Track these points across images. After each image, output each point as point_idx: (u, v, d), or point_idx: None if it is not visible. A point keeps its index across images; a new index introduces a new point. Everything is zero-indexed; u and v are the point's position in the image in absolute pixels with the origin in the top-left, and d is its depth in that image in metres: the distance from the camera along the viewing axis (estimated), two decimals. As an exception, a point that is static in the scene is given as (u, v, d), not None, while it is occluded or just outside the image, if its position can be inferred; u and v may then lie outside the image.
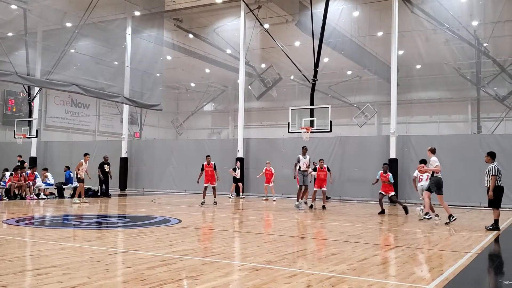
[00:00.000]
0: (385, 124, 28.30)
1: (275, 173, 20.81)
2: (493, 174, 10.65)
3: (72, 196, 19.79)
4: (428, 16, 22.38)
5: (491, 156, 11.09)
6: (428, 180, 12.45)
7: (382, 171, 15.01)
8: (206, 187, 17.10)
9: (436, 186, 11.98)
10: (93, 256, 6.95)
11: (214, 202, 17.04)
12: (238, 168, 21.76)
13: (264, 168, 20.51)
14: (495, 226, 10.81)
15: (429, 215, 12.64)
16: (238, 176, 21.72)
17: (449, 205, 17.63)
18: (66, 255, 6.93)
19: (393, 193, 15.07)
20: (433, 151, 12.48)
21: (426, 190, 12.38)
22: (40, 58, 21.10)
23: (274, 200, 19.88)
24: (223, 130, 38.83)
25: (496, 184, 10.67)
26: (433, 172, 12.11)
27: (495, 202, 10.75)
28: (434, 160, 12.14)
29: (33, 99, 25.28)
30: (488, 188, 10.77)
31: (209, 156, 17.48)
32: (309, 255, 7.36)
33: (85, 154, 17.91)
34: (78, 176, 17.31)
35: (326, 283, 5.49)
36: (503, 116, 25.42)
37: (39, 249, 7.56)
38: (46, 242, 8.17)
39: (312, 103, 17.39)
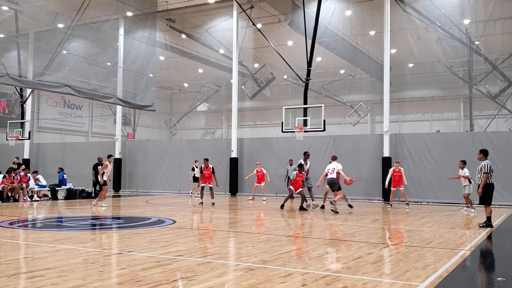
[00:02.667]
0: (378, 123, 28.40)
1: (269, 172, 20.82)
2: (485, 171, 10.73)
3: (68, 196, 19.76)
4: (420, 14, 22.50)
5: (484, 153, 11.16)
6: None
7: (297, 172, 15.50)
8: (203, 187, 17.08)
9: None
10: (87, 258, 6.93)
11: (212, 203, 17.03)
12: (197, 167, 21.78)
13: (255, 170, 20.51)
14: (488, 223, 10.89)
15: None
16: (197, 175, 21.71)
17: (443, 203, 17.82)
18: (61, 257, 6.90)
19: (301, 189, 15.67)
20: (334, 158, 15.57)
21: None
22: (32, 59, 20.97)
23: (263, 200, 19.86)
24: (217, 130, 38.80)
25: (488, 182, 10.75)
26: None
27: (486, 199, 10.83)
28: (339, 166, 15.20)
29: (25, 101, 25.16)
30: (479, 186, 10.86)
31: (207, 159, 17.30)
32: (304, 254, 7.38)
33: (109, 156, 16.96)
34: (104, 178, 16.37)
35: (321, 282, 5.51)
36: (495, 113, 25.58)
37: (33, 252, 7.53)
38: (40, 244, 8.14)
39: (305, 103, 17.43)
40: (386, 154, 20.40)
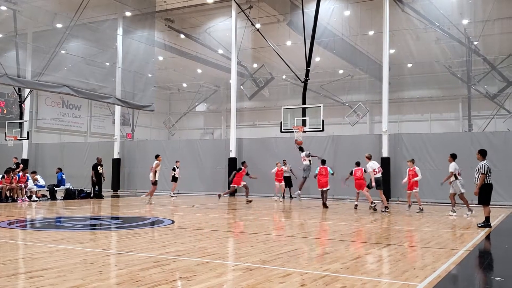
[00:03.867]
0: (377, 123, 28.42)
1: (268, 173, 20.80)
2: (482, 172, 10.71)
3: (67, 196, 19.78)
4: (419, 15, 22.51)
5: (482, 154, 11.15)
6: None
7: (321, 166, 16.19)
8: (236, 189, 18.57)
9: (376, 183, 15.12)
10: (86, 258, 6.93)
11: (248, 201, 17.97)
12: (178, 168, 22.09)
13: (276, 168, 19.95)
14: (486, 223, 10.90)
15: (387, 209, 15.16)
16: (177, 175, 22.06)
17: (442, 203, 17.83)
18: (59, 257, 6.90)
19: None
20: (368, 157, 15.37)
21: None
22: (31, 59, 20.93)
23: (280, 201, 19.70)
24: (216, 130, 38.80)
25: (486, 182, 10.75)
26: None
27: (485, 199, 10.83)
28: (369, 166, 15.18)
29: (23, 101, 25.13)
30: (475, 191, 10.87)
31: (245, 162, 18.60)
32: (303, 255, 7.38)
33: (157, 156, 18.10)
34: (156, 178, 17.61)
35: (320, 282, 5.52)
36: (493, 113, 25.60)
37: (32, 252, 7.52)
38: (39, 244, 8.13)
39: (304, 103, 17.43)
40: (385, 154, 20.40)
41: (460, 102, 29.76)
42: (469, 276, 6.62)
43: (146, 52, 23.96)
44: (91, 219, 13.19)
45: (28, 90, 24.29)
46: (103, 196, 20.87)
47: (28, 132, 24.72)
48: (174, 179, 22.21)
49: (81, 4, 18.68)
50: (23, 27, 22.83)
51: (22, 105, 25.08)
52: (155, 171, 17.51)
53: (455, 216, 13.80)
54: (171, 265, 6.39)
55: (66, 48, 20.78)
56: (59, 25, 21.93)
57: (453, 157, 14.24)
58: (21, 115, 24.77)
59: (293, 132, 17.39)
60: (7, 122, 24.90)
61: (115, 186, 26.41)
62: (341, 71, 29.54)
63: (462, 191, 13.85)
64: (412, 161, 15.80)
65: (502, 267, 7.19)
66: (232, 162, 23.51)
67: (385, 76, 20.92)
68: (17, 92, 24.92)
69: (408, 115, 30.39)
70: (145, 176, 26.34)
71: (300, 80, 17.85)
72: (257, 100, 32.75)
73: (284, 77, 30.40)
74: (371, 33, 24.22)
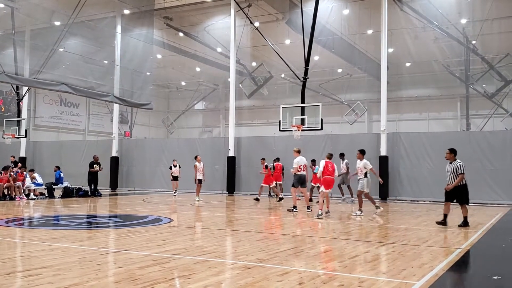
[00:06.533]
0: (375, 122, 28.44)
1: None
2: (462, 172, 10.63)
3: (65, 194, 19.78)
4: (417, 14, 22.53)
5: (454, 152, 11.07)
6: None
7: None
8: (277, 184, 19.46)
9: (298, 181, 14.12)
10: (84, 256, 6.92)
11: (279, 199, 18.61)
12: (175, 166, 22.08)
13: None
14: (465, 222, 10.85)
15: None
16: (176, 174, 22.05)
17: (439, 202, 17.82)
18: (57, 255, 6.90)
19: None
20: (298, 151, 14.34)
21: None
22: (29, 57, 20.90)
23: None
24: (214, 128, 38.77)
25: (463, 183, 10.75)
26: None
27: (466, 199, 10.84)
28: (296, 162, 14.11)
29: (21, 99, 25.09)
30: (448, 185, 10.77)
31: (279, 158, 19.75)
32: (301, 253, 7.39)
33: (196, 156, 18.94)
34: (199, 177, 18.38)
35: (317, 280, 5.53)
36: (491, 113, 25.64)
37: (30, 250, 7.52)
38: (37, 242, 8.12)
39: (303, 101, 17.45)
40: (383, 153, 20.42)
41: (458, 101, 29.78)
42: (467, 274, 6.64)
43: (144, 50, 23.92)
44: (89, 217, 13.18)
45: (26, 88, 24.24)
46: (101, 194, 20.86)
47: (26, 130, 24.68)
48: (174, 178, 22.10)
49: (79, 2, 18.64)
50: (21, 24, 22.79)
51: (20, 103, 25.04)
52: (196, 171, 18.39)
53: (381, 210, 13.86)
54: (169, 264, 6.39)
55: (64, 46, 20.72)
56: (57, 23, 21.90)
57: (362, 153, 13.61)
58: (19, 113, 24.72)
59: (291, 131, 17.40)
60: (5, 120, 24.86)
61: (113, 184, 26.39)
62: (339, 70, 29.55)
63: (363, 189, 13.34)
64: (329, 156, 13.57)
65: (499, 265, 7.21)
66: (231, 160, 23.52)
67: (383, 75, 20.93)
68: (15, 90, 24.87)
69: (406, 114, 30.40)
70: (144, 175, 26.49)
71: (299, 79, 17.86)
72: (255, 99, 32.74)
73: (283, 75, 30.39)
74: (369, 32, 24.23)
